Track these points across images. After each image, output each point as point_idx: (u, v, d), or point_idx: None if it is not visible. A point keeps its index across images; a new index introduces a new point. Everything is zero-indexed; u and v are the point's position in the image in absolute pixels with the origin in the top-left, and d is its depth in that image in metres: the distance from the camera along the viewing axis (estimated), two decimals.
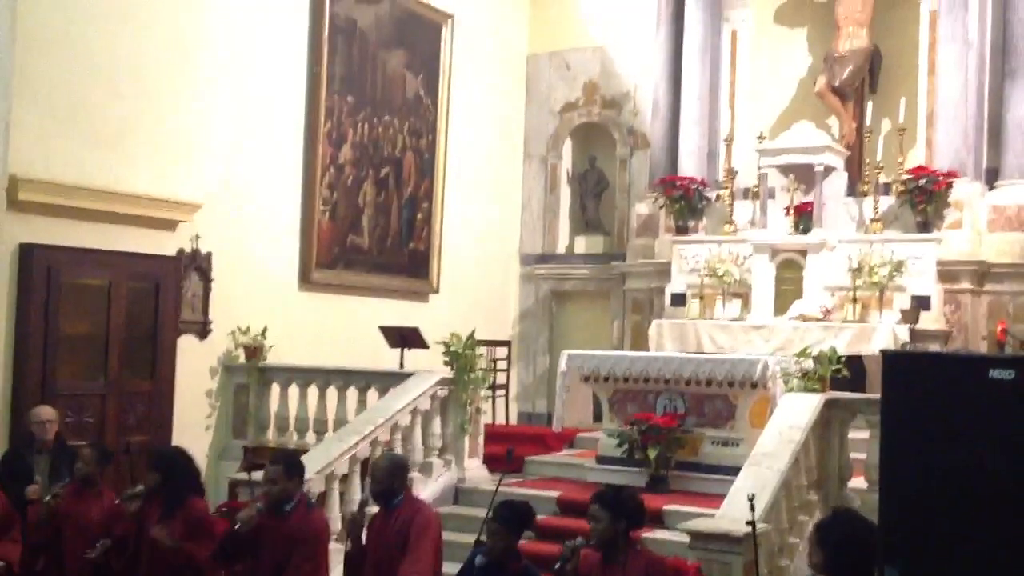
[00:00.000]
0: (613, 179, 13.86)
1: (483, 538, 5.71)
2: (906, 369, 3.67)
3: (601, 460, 9.21)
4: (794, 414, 7.58)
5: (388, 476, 5.80)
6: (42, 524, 6.31)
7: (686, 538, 6.43)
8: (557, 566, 4.95)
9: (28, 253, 8.56)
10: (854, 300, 10.40)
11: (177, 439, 9.62)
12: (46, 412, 7.47)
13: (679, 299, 11.63)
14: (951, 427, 3.46)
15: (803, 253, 10.89)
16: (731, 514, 6.44)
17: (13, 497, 6.47)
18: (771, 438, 7.37)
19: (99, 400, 9.11)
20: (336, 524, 7.86)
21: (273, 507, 5.71)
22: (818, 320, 10.41)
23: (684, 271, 11.73)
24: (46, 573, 6.33)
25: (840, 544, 4.62)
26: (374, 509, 5.94)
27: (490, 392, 10.96)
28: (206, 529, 5.96)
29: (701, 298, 11.36)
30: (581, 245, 14.03)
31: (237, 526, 5.62)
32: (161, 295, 9.64)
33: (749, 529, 5.57)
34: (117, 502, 6.08)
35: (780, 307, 10.86)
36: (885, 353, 3.74)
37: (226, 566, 5.97)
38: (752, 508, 5.50)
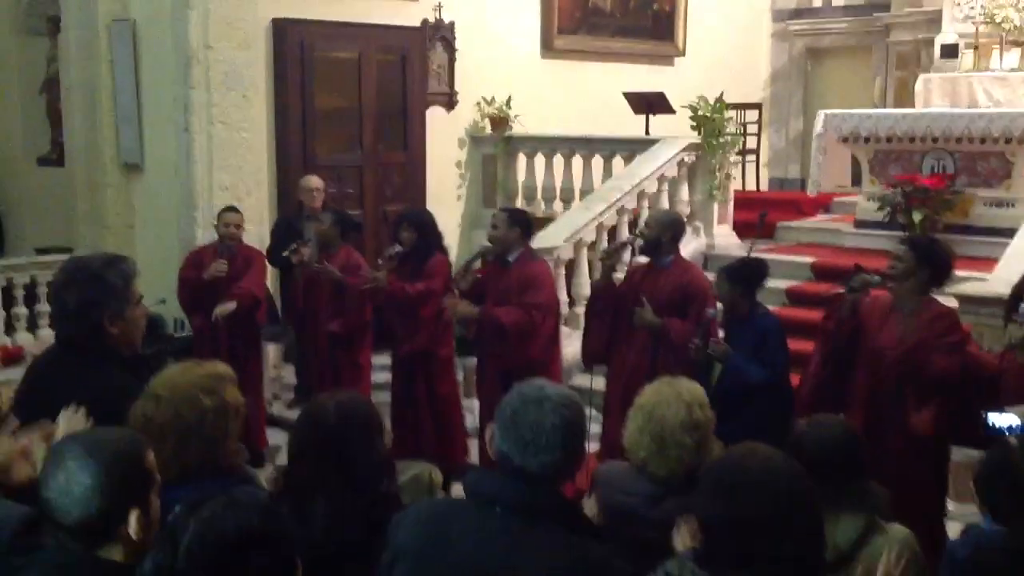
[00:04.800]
0: None
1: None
2: None
3: (860, 224, 8.81)
4: None
5: (660, 227, 5.73)
6: (304, 287, 6.87)
7: (954, 302, 6.08)
8: (843, 291, 4.82)
9: (281, 28, 8.79)
10: None
11: (431, 208, 9.84)
12: (314, 181, 7.91)
13: (950, 51, 10.68)
14: None
15: None
16: (1006, 276, 6.03)
17: (283, 260, 7.01)
18: None
19: (357, 172, 9.46)
20: (584, 289, 7.95)
21: (498, 258, 5.91)
22: None
23: (957, 19, 10.75)
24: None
25: None
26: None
27: (740, 157, 10.59)
28: (447, 280, 6.35)
29: (976, 48, 10.41)
30: None
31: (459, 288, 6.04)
32: (408, 67, 9.73)
33: None
34: (379, 269, 6.36)
35: None
36: None
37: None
38: None
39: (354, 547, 2.59)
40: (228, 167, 8.10)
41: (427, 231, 6.44)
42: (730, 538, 2.13)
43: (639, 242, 5.84)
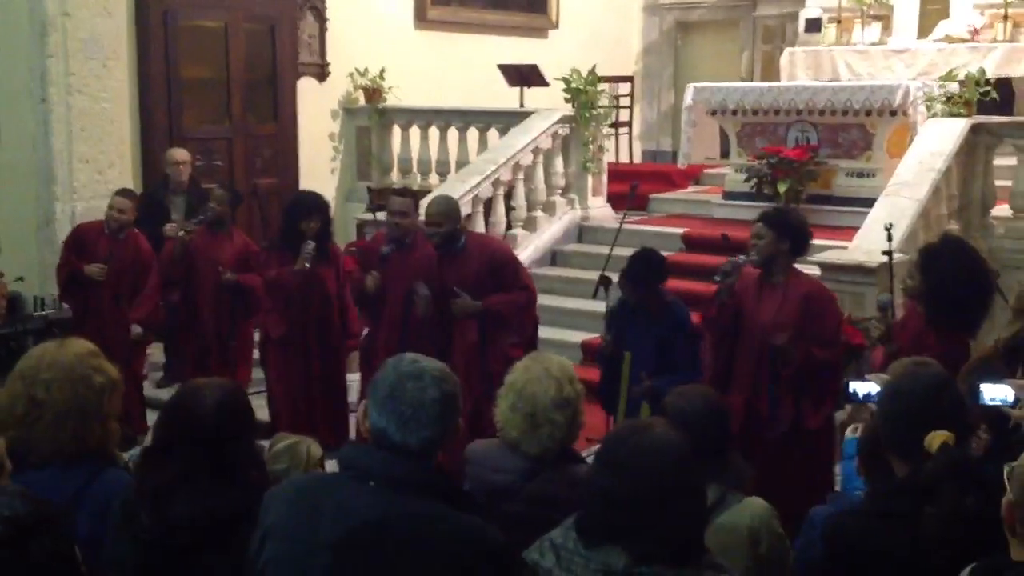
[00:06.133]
0: None
1: (607, 273, 5.70)
2: None
3: (728, 196, 9.01)
4: (936, 141, 7.19)
5: (450, 220, 5.62)
6: (176, 260, 6.62)
7: (816, 271, 6.28)
8: (717, 278, 4.90)
9: None
10: (1005, 17, 9.70)
11: (304, 182, 9.75)
12: (180, 154, 7.68)
13: (814, 25, 10.98)
14: None
15: None
16: (865, 245, 6.27)
17: (150, 235, 6.73)
18: (910, 167, 7.05)
19: (226, 144, 9.22)
20: None
21: (398, 242, 5.80)
22: (965, 41, 9.74)
23: None
24: (181, 307, 6.78)
25: (945, 273, 4.44)
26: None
27: (613, 130, 10.70)
28: (346, 266, 6.34)
29: (838, 22, 10.71)
30: None
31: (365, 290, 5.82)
32: (278, 37, 9.51)
33: (884, 259, 5.41)
34: (303, 265, 6.09)
35: (924, 29, 10.17)
36: None
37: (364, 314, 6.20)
38: (889, 237, 5.32)
39: (218, 538, 2.53)
40: (88, 139, 7.79)
41: (328, 217, 6.36)
42: (614, 511, 2.13)
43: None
